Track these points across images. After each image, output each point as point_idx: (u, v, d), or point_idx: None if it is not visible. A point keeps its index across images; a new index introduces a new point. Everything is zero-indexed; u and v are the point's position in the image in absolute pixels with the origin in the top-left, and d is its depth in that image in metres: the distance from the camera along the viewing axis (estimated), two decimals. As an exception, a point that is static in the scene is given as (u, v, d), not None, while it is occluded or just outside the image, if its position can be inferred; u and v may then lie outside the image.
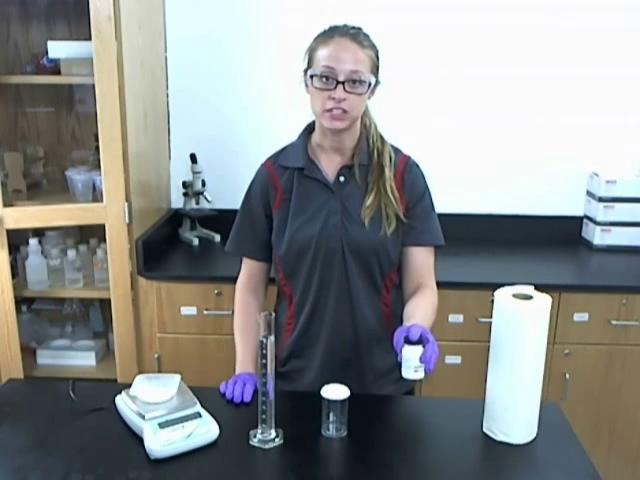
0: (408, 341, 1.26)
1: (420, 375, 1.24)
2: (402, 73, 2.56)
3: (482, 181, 2.73)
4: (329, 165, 1.55)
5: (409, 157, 1.59)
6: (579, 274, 2.54)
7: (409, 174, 1.55)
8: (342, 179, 1.53)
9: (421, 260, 1.58)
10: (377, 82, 1.49)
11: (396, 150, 1.58)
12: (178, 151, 2.73)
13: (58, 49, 2.24)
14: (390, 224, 1.51)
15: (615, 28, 2.57)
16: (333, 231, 1.51)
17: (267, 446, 1.27)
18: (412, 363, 1.24)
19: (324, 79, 1.41)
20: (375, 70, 1.47)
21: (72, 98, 2.62)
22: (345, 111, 1.42)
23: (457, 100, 2.65)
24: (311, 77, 1.44)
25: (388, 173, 1.52)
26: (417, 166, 1.58)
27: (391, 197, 1.51)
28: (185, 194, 2.68)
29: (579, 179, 2.72)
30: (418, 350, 1.24)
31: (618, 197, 2.60)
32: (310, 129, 1.59)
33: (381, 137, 1.57)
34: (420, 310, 1.47)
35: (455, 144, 2.70)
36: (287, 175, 1.56)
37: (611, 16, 2.56)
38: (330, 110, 1.42)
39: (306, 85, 1.49)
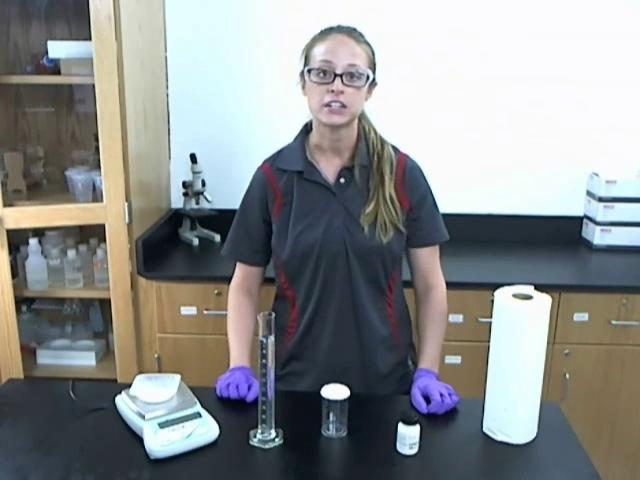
0: (405, 420, 1.26)
1: (414, 451, 1.26)
2: (402, 73, 2.56)
3: (482, 181, 2.73)
4: (328, 167, 1.53)
5: (407, 156, 1.57)
6: (579, 274, 2.53)
7: (409, 176, 1.54)
8: (342, 181, 1.52)
9: (427, 259, 1.60)
10: (374, 81, 1.48)
11: (394, 149, 1.56)
12: (178, 151, 2.73)
13: (58, 49, 2.24)
14: (387, 234, 1.49)
15: (614, 29, 2.57)
16: (336, 234, 1.49)
17: (267, 446, 1.27)
18: (407, 441, 1.25)
19: (322, 73, 1.41)
20: (372, 66, 1.46)
21: (72, 98, 2.62)
22: (344, 105, 1.40)
23: (457, 100, 2.65)
24: (309, 72, 1.43)
25: (388, 181, 1.50)
26: (416, 166, 1.57)
27: (390, 206, 1.49)
28: (185, 194, 2.68)
29: (579, 179, 2.72)
30: (414, 430, 1.25)
31: (618, 197, 2.60)
32: (307, 130, 1.57)
33: (381, 140, 1.55)
34: (433, 337, 1.57)
35: (455, 144, 2.70)
36: (286, 178, 1.53)
37: (610, 17, 2.56)
38: (329, 105, 1.40)
39: (303, 86, 1.48)
